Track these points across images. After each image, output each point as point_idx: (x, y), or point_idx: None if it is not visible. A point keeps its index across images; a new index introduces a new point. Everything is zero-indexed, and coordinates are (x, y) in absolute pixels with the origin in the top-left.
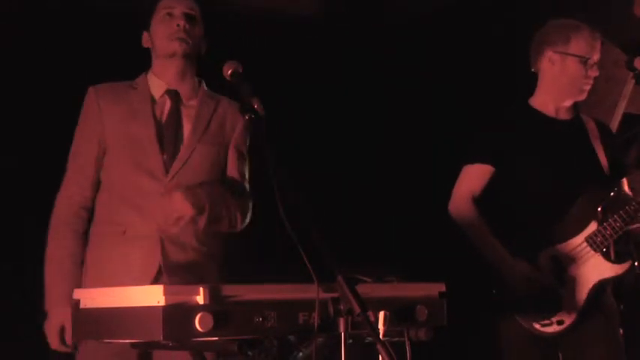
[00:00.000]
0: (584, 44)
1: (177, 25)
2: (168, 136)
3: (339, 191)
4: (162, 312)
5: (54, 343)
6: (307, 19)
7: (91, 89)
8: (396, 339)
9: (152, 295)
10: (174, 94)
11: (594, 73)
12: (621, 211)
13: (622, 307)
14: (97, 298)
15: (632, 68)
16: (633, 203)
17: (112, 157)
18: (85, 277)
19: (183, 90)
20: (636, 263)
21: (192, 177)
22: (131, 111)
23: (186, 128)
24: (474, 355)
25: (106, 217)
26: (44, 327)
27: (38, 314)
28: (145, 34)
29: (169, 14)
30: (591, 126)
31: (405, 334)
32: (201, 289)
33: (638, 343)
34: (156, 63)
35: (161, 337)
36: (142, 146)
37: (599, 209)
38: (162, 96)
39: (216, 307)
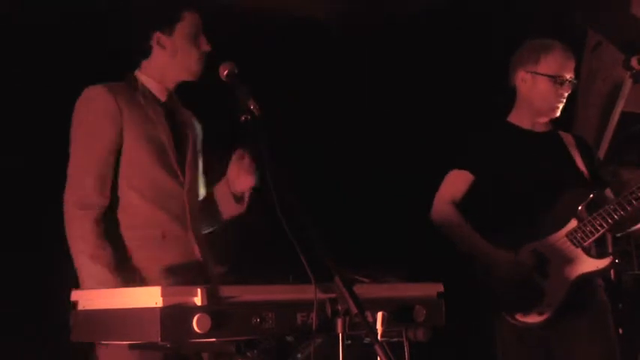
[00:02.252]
0: (553, 64)
1: (203, 50)
2: (178, 139)
3: (337, 192)
4: (160, 313)
5: None
6: (304, 19)
7: (101, 88)
8: (395, 339)
9: (150, 297)
10: (175, 98)
11: (565, 91)
12: (601, 210)
13: (621, 306)
14: (95, 299)
15: (629, 67)
16: (613, 202)
17: (135, 159)
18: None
19: (175, 97)
20: (617, 260)
21: (195, 178)
22: (146, 114)
23: (186, 132)
24: (472, 355)
25: (142, 221)
26: None
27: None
28: (160, 36)
29: (197, 34)
30: (569, 140)
31: (404, 335)
32: (198, 290)
33: (637, 342)
34: (161, 69)
35: (159, 339)
36: (164, 149)
37: (580, 208)
38: (166, 99)
39: (214, 308)
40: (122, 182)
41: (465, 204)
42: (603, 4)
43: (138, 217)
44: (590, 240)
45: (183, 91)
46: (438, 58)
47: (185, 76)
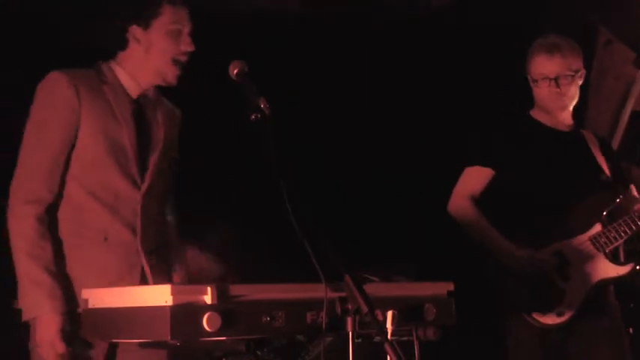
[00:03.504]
0: (539, 68)
1: (184, 50)
2: (143, 141)
3: (347, 191)
4: (170, 312)
5: (61, 347)
6: (310, 19)
7: (61, 75)
8: (405, 338)
9: (160, 295)
10: (148, 99)
11: (559, 88)
12: (626, 216)
13: (632, 305)
14: (105, 297)
15: (639, 66)
16: (637, 209)
17: (88, 155)
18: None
19: (152, 93)
20: (638, 267)
21: (159, 184)
22: (110, 108)
23: (157, 133)
24: (482, 354)
25: (86, 220)
26: (37, 337)
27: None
28: (137, 29)
29: (177, 31)
30: (591, 138)
31: (414, 334)
32: (209, 288)
33: None
34: (136, 64)
35: (169, 337)
36: (123, 150)
37: (605, 213)
38: (138, 98)
39: (224, 306)
40: (70, 178)
41: (484, 201)
42: (613, 2)
43: (82, 215)
44: (614, 246)
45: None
46: (442, 56)
47: (156, 79)
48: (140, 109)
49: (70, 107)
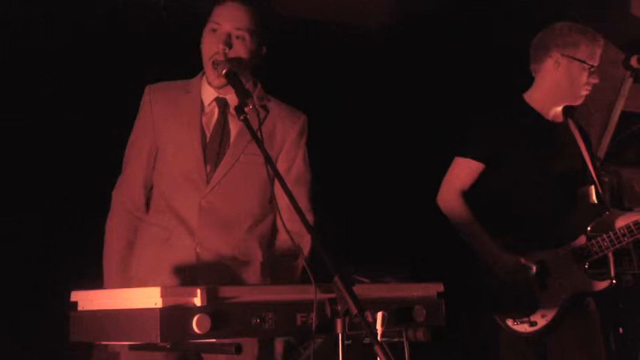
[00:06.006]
0: (590, 51)
1: (217, 50)
2: (212, 146)
3: (337, 192)
4: (160, 314)
5: None
6: (310, 20)
7: (147, 88)
8: (395, 339)
9: (150, 297)
10: (222, 103)
11: (595, 80)
12: (610, 232)
13: (621, 305)
14: (95, 300)
15: (629, 67)
16: (623, 227)
17: (161, 162)
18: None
19: (233, 98)
20: (614, 282)
21: (233, 189)
22: (180, 116)
23: (233, 138)
24: (472, 354)
25: (156, 220)
26: None
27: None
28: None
29: (214, 30)
30: (575, 129)
31: (404, 335)
32: (198, 290)
33: (637, 342)
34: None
35: (159, 339)
36: (187, 154)
37: (589, 228)
38: (210, 104)
39: (214, 308)
40: (154, 181)
41: (473, 194)
42: (603, 3)
43: (154, 215)
44: (595, 259)
45: None
46: (438, 57)
47: (209, 80)
48: (211, 115)
49: (147, 118)
